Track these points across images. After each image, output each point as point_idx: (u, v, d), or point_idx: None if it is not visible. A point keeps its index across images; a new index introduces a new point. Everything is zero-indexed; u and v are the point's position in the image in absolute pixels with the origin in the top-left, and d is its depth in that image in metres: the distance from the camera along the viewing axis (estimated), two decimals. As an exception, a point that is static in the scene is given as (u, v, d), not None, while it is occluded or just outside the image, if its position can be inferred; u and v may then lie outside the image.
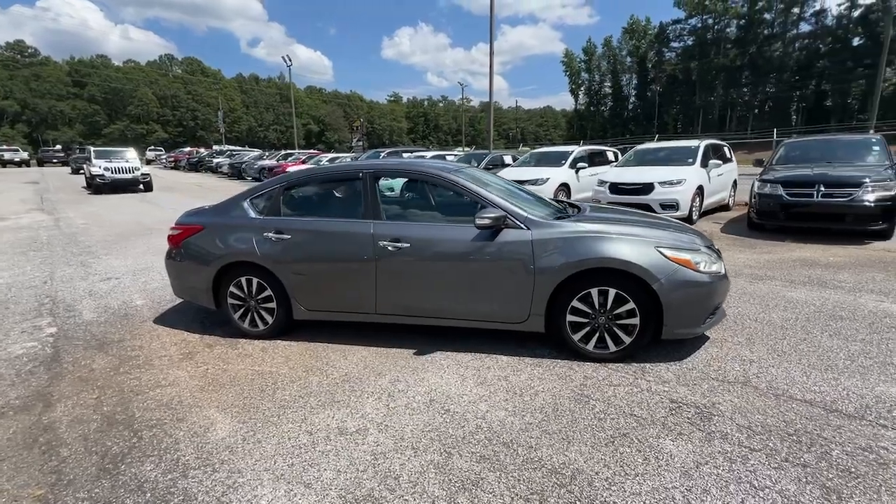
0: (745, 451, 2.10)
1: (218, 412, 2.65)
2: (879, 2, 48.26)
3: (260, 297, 3.60)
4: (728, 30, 56.89)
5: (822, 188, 6.40)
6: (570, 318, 3.04)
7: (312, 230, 3.45)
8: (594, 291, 2.96)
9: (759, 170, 7.96)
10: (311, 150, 29.61)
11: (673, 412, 2.44)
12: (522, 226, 3.08)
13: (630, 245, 2.92)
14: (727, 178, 9.94)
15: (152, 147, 52.63)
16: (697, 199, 8.25)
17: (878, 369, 2.80)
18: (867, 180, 6.18)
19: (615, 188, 8.52)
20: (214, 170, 28.44)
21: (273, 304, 3.57)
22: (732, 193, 10.47)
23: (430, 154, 15.96)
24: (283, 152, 25.53)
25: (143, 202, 13.91)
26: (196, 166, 31.94)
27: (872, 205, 6.09)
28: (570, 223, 3.11)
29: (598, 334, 3.02)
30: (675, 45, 62.03)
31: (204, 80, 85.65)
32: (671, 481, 1.93)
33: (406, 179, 3.88)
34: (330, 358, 3.31)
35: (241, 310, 3.68)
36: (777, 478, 1.91)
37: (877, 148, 7.27)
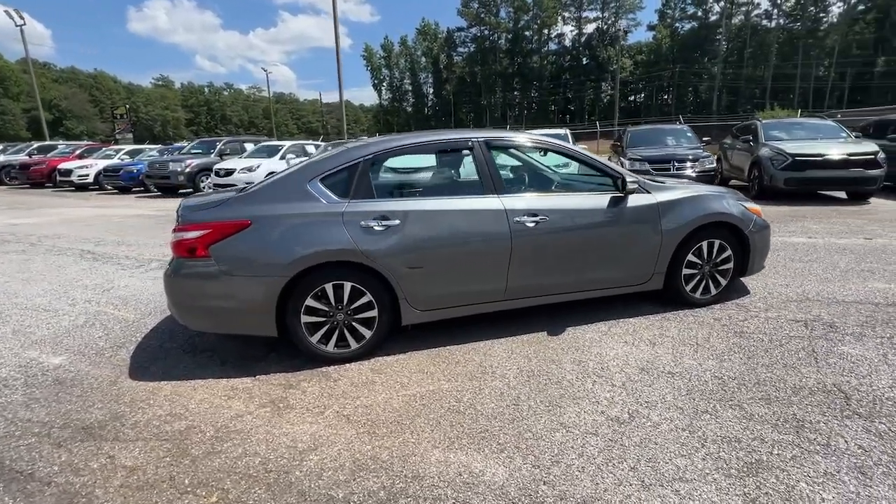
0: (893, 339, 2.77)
1: (448, 452, 1.98)
2: (596, 32, 64.40)
3: (353, 305, 2.74)
4: (500, 42, 66.99)
5: (676, 163, 8.44)
6: (685, 271, 3.33)
7: (431, 211, 2.79)
8: (704, 244, 3.32)
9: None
10: (90, 143, 22.40)
11: (809, 328, 2.99)
12: (645, 190, 3.20)
13: (725, 201, 3.38)
14: (580, 161, 12.04)
15: None
16: (577, 178, 9.77)
17: (870, 275, 3.98)
18: (699, 156, 8.46)
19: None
20: None
21: (373, 312, 2.77)
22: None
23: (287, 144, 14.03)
24: (35, 144, 18.55)
25: None
26: None
27: (705, 174, 8.38)
28: (672, 186, 3.38)
29: (703, 282, 3.41)
30: (461, 50, 69.66)
31: None
32: (893, 372, 2.42)
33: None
34: (475, 360, 2.80)
35: (324, 329, 2.74)
36: (933, 349, 2.61)
37: (689, 134, 9.96)
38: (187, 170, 12.78)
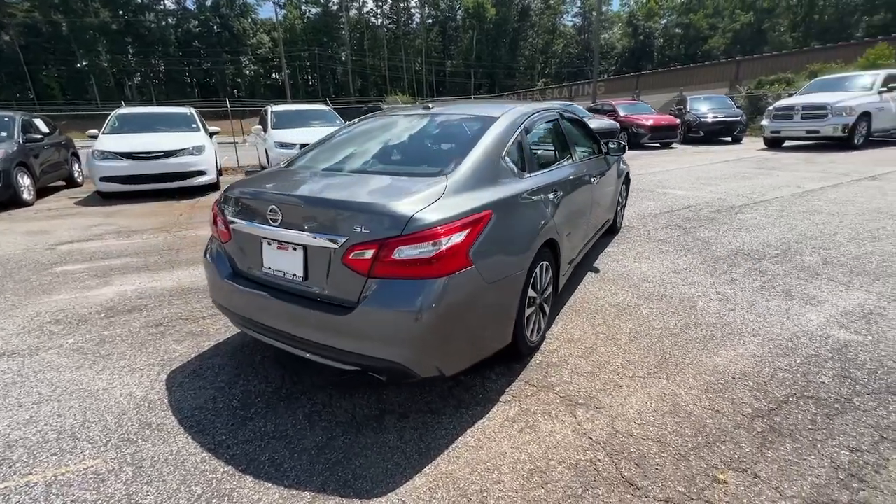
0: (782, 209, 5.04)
1: (721, 354, 2.54)
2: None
3: (543, 286, 2.60)
4: (89, -16, 50.88)
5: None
6: (617, 209, 4.72)
7: (572, 179, 2.90)
8: (622, 188, 4.78)
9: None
10: None
11: (674, 229, 4.96)
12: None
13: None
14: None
15: None
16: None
17: (641, 200, 6.47)
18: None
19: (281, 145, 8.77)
20: None
21: (550, 288, 2.71)
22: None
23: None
24: None
25: None
26: None
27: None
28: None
29: (621, 215, 4.91)
30: (20, -15, 48.43)
31: None
32: (737, 240, 4.56)
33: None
34: (601, 306, 3.20)
35: (534, 319, 2.48)
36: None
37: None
38: None
